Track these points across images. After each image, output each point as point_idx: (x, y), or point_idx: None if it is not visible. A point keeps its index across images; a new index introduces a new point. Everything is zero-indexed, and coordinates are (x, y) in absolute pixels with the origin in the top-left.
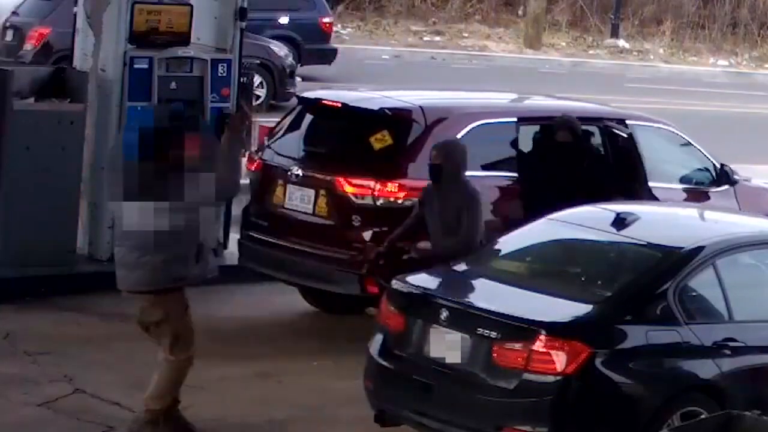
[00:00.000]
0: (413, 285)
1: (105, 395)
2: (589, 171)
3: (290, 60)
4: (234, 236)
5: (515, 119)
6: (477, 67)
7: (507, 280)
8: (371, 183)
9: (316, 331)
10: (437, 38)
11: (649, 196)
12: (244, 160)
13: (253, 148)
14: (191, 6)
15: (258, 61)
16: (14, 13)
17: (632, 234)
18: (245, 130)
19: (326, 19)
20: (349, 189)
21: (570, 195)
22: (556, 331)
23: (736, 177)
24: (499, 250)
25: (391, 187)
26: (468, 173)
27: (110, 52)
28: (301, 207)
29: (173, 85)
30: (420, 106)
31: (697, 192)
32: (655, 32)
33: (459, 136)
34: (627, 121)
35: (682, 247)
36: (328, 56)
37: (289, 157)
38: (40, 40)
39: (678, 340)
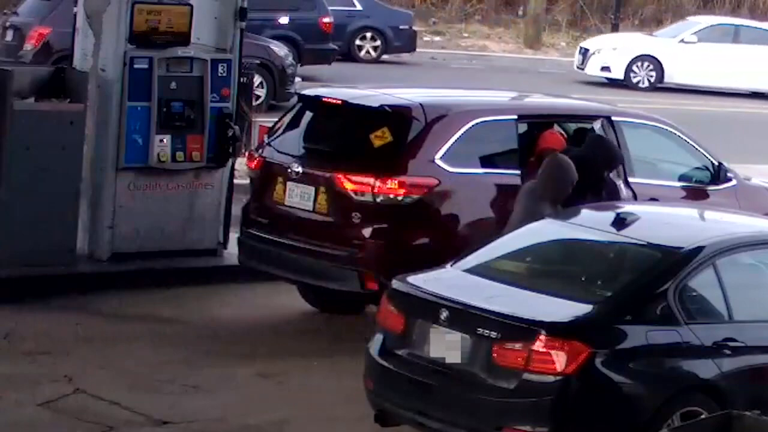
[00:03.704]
0: (413, 285)
1: (105, 395)
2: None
3: (290, 60)
4: (234, 236)
5: (515, 117)
6: (477, 67)
7: (507, 280)
8: (371, 180)
9: (316, 331)
10: (437, 38)
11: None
12: (244, 159)
13: (253, 147)
14: (191, 6)
15: (258, 61)
16: (14, 13)
17: (632, 234)
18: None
19: (326, 19)
20: (349, 186)
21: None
22: (556, 331)
23: (729, 175)
24: (499, 250)
25: (391, 184)
26: (468, 170)
27: (110, 52)
28: (301, 204)
29: (173, 85)
30: (420, 104)
31: (696, 190)
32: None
33: (459, 133)
34: (627, 120)
35: (682, 247)
36: (328, 56)
37: (289, 155)
38: (40, 40)
39: (678, 340)
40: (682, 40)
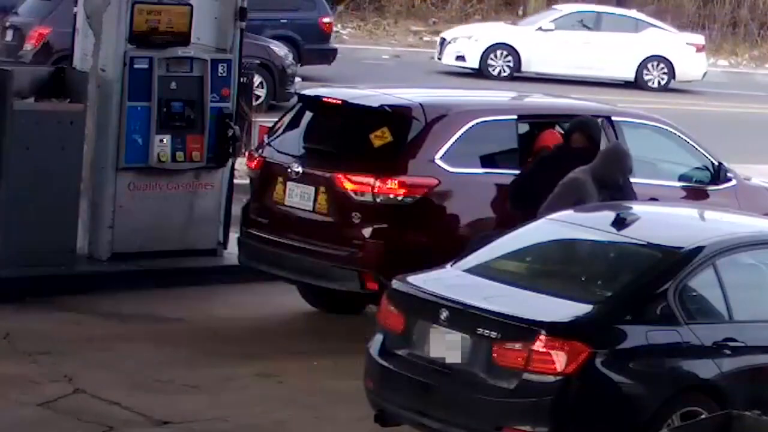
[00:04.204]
0: (413, 285)
1: (105, 395)
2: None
3: (290, 60)
4: (234, 236)
5: (515, 117)
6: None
7: (507, 280)
8: (371, 180)
9: (316, 331)
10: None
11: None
12: (244, 159)
13: (253, 147)
14: (191, 6)
15: (258, 61)
16: (14, 13)
17: (632, 234)
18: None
19: (326, 19)
20: (348, 186)
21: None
22: (556, 331)
23: (729, 175)
24: (499, 250)
25: (391, 184)
26: (468, 170)
27: (110, 52)
28: (301, 204)
29: (173, 85)
30: (420, 104)
31: (696, 190)
32: None
33: (459, 133)
34: (627, 120)
35: (682, 247)
36: (328, 56)
37: (289, 155)
38: (40, 40)
39: (678, 340)
40: (539, 28)
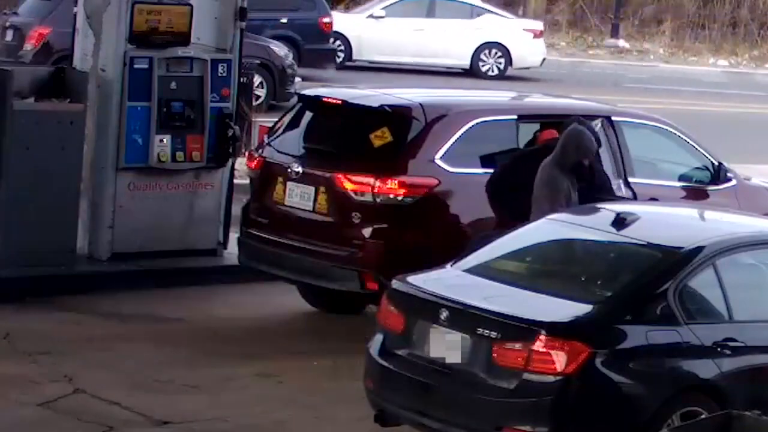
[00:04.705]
0: (413, 285)
1: (105, 395)
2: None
3: (290, 60)
4: (234, 236)
5: (515, 117)
6: None
7: (507, 280)
8: (371, 180)
9: (316, 331)
10: None
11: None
12: (244, 159)
13: (253, 147)
14: (191, 6)
15: (258, 61)
16: (14, 13)
17: (632, 234)
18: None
19: (326, 19)
20: (348, 186)
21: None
22: (556, 331)
23: (729, 175)
24: (499, 250)
25: (391, 184)
26: (468, 170)
27: (110, 52)
28: (301, 204)
29: (173, 85)
30: (420, 104)
31: (696, 190)
32: (655, 32)
33: (459, 133)
34: (627, 120)
35: (682, 247)
36: (328, 56)
37: (289, 155)
38: (40, 40)
39: (678, 340)
40: (370, 15)
